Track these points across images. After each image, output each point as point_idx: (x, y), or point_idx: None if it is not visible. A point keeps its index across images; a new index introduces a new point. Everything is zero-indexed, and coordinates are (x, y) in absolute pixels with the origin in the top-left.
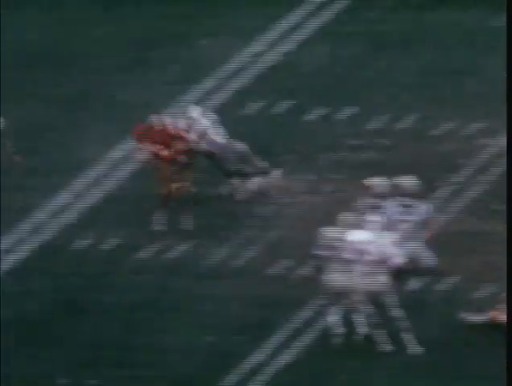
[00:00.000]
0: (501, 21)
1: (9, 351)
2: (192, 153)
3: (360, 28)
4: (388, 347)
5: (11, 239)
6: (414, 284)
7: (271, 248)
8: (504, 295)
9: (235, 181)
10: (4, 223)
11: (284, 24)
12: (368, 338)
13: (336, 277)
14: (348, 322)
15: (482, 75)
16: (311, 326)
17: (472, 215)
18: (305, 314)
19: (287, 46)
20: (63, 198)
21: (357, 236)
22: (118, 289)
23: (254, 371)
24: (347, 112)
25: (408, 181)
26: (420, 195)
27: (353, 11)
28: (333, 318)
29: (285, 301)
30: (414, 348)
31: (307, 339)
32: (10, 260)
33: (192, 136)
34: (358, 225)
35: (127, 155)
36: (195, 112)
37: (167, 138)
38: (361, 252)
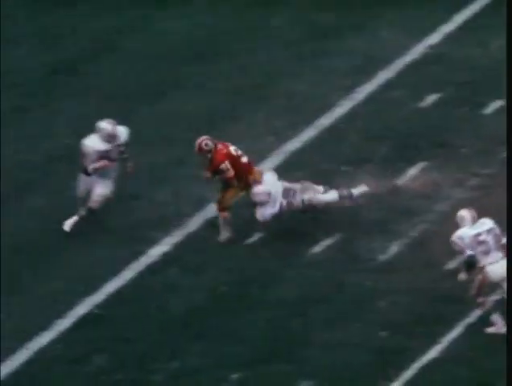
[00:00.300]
0: None
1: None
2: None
3: None
4: None
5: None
6: None
7: (441, 244)
8: None
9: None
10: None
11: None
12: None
13: (491, 269)
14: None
15: None
16: (482, 321)
17: None
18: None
19: (459, 38)
20: None
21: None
22: (286, 283)
23: (428, 367)
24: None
25: None
26: None
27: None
28: (493, 309)
29: (459, 296)
30: None
31: (474, 334)
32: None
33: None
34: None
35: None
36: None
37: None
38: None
